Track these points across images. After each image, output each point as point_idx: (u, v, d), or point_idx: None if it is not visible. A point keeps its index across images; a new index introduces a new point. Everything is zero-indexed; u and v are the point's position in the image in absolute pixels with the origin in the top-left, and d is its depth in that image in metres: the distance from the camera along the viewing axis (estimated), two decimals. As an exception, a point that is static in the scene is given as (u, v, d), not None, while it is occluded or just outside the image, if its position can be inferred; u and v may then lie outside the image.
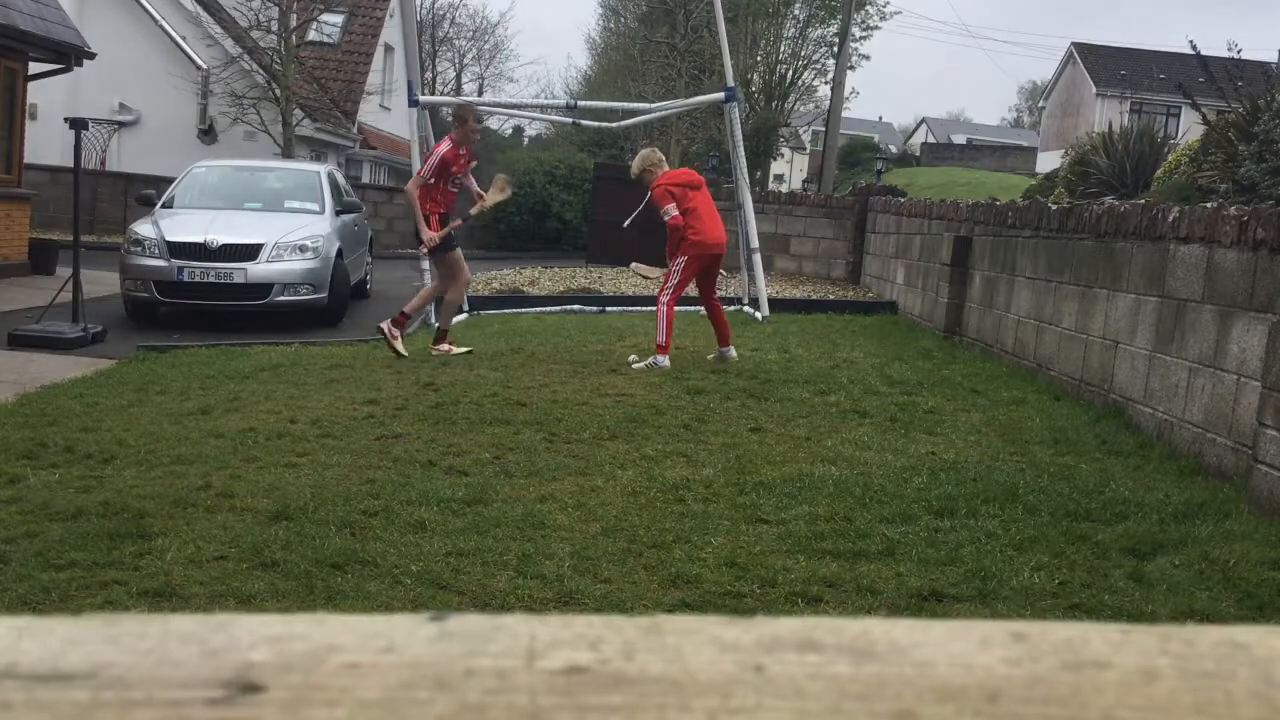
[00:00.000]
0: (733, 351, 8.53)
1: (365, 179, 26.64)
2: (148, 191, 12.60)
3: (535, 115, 18.53)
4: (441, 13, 43.25)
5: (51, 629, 0.40)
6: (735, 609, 3.55)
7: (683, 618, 0.40)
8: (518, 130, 49.79)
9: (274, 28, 21.45)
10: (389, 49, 29.08)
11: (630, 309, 12.68)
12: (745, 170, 12.14)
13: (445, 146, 8.72)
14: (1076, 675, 0.37)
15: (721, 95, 12.33)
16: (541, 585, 3.75)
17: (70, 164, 10.72)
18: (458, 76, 45.68)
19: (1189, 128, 18.97)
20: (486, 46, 47.26)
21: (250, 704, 0.36)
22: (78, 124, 9.46)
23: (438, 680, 0.36)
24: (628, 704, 0.35)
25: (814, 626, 0.38)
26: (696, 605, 3.59)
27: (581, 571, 3.88)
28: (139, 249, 10.79)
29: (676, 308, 8.39)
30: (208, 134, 22.28)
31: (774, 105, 31.44)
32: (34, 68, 14.00)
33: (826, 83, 30.42)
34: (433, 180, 8.58)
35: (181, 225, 11.05)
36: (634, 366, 8.17)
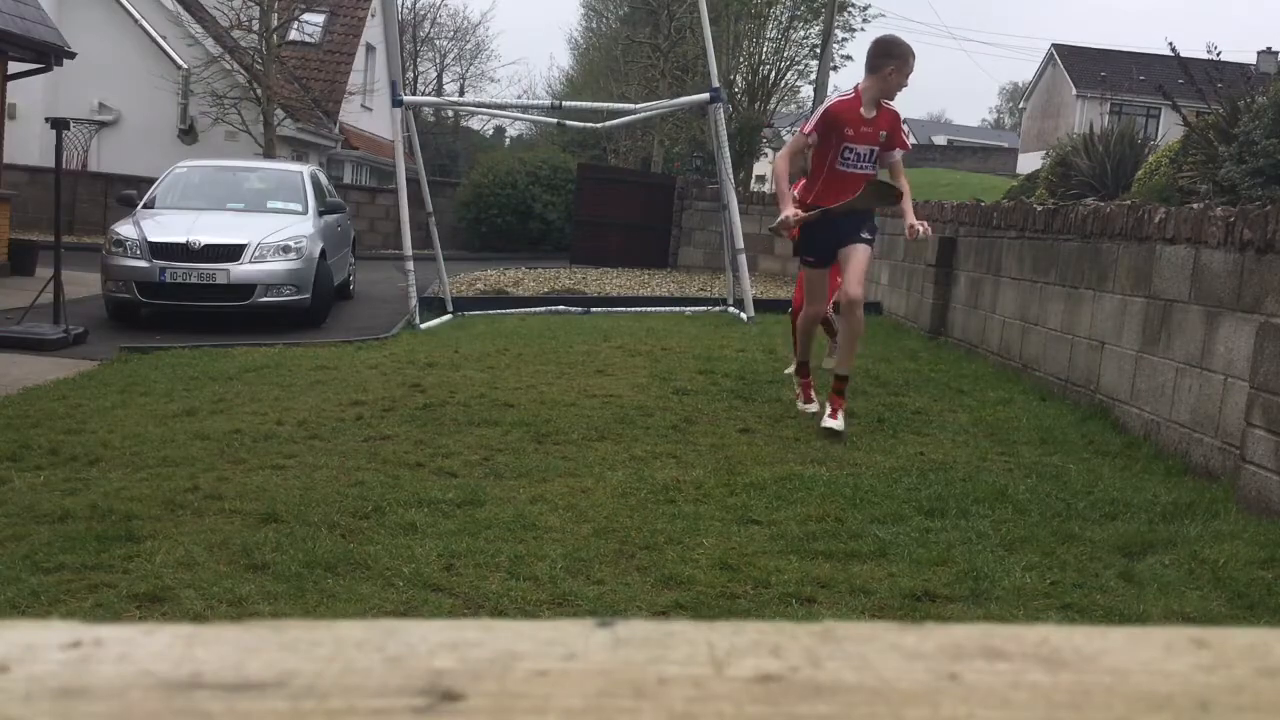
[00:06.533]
0: None
1: (347, 179, 26.56)
2: (129, 192, 12.52)
3: (521, 116, 18.51)
4: (423, 13, 43.16)
5: (220, 637, 0.39)
6: (731, 610, 3.55)
7: (853, 624, 0.39)
8: (499, 130, 49.78)
9: (255, 27, 21.35)
10: (370, 49, 29.01)
11: (615, 310, 12.68)
12: (730, 171, 12.15)
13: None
14: (1274, 682, 0.36)
15: (706, 96, 12.34)
16: (534, 587, 3.73)
17: (50, 164, 10.64)
18: (439, 77, 45.59)
19: (1168, 129, 19.09)
20: (468, 46, 47.19)
21: (454, 712, 0.35)
22: (59, 124, 9.39)
23: (635, 689, 0.36)
24: (835, 713, 0.35)
25: (990, 634, 0.37)
26: (691, 606, 3.58)
27: (574, 573, 3.87)
28: (120, 250, 10.72)
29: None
30: (188, 134, 22.16)
31: (757, 106, 31.48)
32: (13, 67, 13.90)
33: (810, 83, 30.49)
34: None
35: (163, 226, 10.98)
36: None
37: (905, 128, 6.40)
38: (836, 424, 6.09)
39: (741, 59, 31.25)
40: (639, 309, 12.67)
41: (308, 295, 11.07)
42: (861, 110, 6.13)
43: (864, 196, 6.11)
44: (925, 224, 6.16)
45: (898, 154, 6.30)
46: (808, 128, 6.26)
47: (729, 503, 4.76)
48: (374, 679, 0.36)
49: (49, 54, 13.93)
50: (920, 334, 10.57)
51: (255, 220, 11.46)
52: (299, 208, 12.07)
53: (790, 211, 6.03)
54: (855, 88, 6.18)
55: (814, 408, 6.53)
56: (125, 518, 4.32)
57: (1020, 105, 57.00)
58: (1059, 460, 5.64)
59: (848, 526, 4.43)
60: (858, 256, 6.20)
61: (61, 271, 9.46)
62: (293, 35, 23.58)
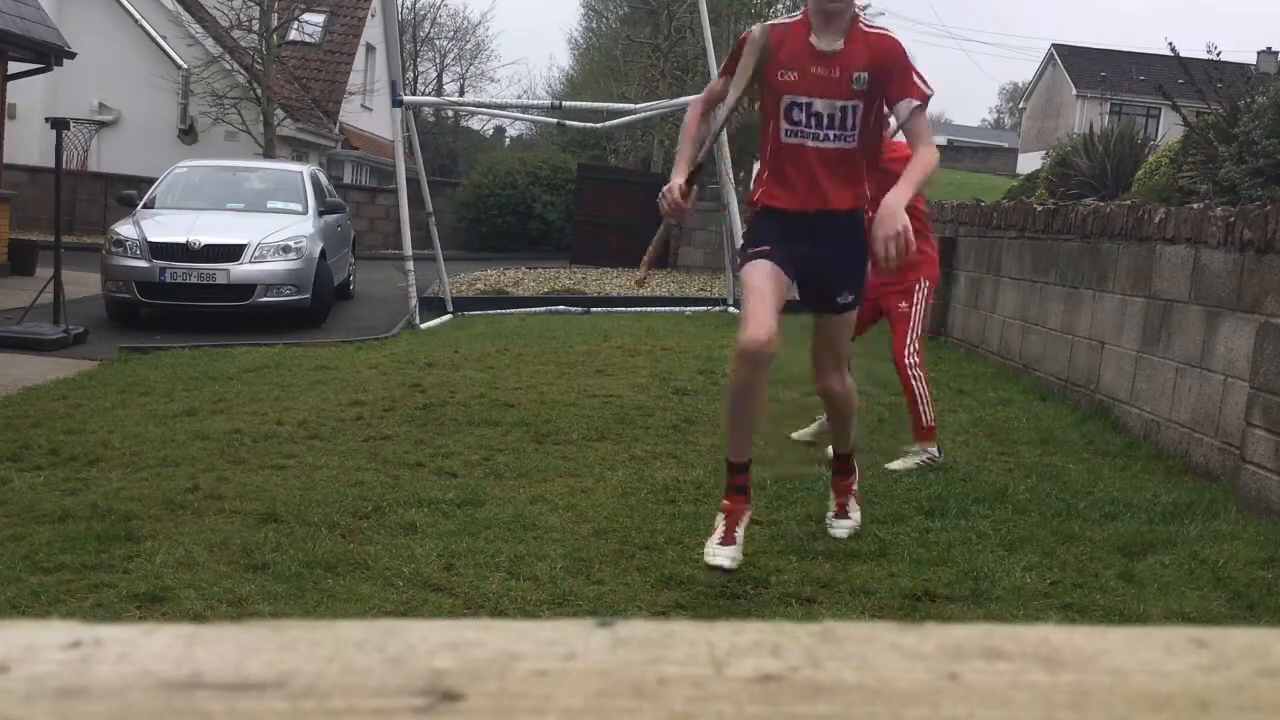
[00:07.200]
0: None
1: (347, 179, 26.56)
2: (129, 192, 12.53)
3: (521, 116, 18.52)
4: (423, 13, 43.14)
5: (221, 637, 0.39)
6: (731, 610, 3.55)
7: (854, 624, 0.39)
8: (499, 130, 49.76)
9: (255, 27, 21.36)
10: (370, 49, 29.01)
11: (615, 310, 12.68)
12: (730, 171, 12.16)
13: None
14: (1274, 682, 0.36)
15: (706, 96, 12.34)
16: (535, 587, 3.73)
17: (50, 164, 10.64)
18: (439, 76, 45.57)
19: (1168, 129, 19.09)
20: (468, 46, 47.17)
21: (454, 712, 0.35)
22: (59, 124, 9.40)
23: (635, 689, 0.36)
24: (835, 713, 0.35)
25: (990, 633, 0.38)
26: (691, 606, 3.58)
27: (574, 573, 3.87)
28: (120, 250, 10.72)
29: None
30: (188, 134, 22.16)
31: (756, 105, 31.43)
32: (13, 67, 13.90)
33: (808, 84, 30.40)
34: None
35: (163, 226, 10.99)
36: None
37: (916, 67, 3.70)
38: (847, 525, 4.16)
39: (741, 59, 31.09)
40: (639, 309, 12.67)
41: (308, 295, 11.08)
42: (813, 39, 3.67)
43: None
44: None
45: (905, 106, 3.66)
46: (721, 67, 3.92)
47: (729, 503, 4.76)
48: (374, 679, 0.37)
49: (49, 54, 13.94)
50: (920, 334, 10.57)
51: (255, 220, 11.46)
52: (299, 208, 12.08)
53: (675, 181, 3.71)
54: (804, 8, 3.81)
55: (729, 556, 3.71)
56: (125, 518, 4.32)
57: (1020, 105, 57.03)
58: (1059, 460, 5.64)
59: (848, 526, 4.42)
60: (832, 336, 4.01)
61: (61, 271, 9.46)
62: (293, 35, 23.58)
